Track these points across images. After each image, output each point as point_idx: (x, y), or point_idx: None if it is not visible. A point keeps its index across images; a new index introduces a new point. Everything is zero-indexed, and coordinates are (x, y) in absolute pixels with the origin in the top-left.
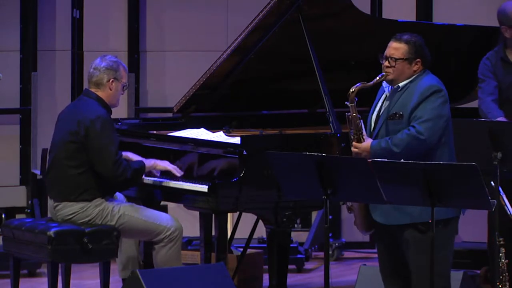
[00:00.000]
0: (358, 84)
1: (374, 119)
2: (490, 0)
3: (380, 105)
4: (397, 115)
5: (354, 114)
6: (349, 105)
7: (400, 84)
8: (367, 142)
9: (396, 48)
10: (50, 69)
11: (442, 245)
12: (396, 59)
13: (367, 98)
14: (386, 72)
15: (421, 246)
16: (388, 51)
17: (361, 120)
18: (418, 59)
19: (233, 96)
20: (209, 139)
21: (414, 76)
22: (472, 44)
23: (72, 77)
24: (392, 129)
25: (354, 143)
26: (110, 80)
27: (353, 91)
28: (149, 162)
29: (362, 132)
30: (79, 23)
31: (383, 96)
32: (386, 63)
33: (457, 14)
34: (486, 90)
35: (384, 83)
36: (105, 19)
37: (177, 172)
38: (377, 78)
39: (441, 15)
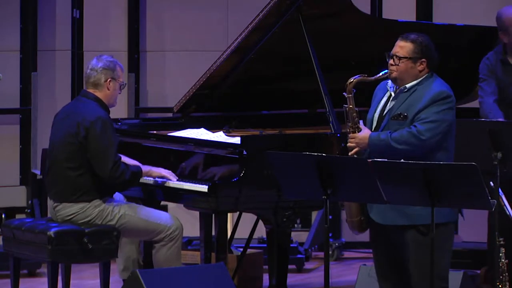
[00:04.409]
0: (357, 76)
1: (377, 117)
2: (490, 0)
3: (383, 104)
4: (401, 116)
5: (351, 106)
6: (346, 96)
7: (407, 85)
8: (365, 132)
9: (401, 46)
10: (50, 69)
11: (443, 247)
12: (400, 58)
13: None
14: (390, 70)
15: (422, 247)
16: (394, 49)
17: (358, 113)
18: (423, 59)
19: (233, 96)
20: (209, 139)
21: (421, 78)
22: (472, 44)
23: (72, 77)
24: (395, 129)
25: (351, 134)
26: (108, 80)
27: (351, 82)
28: (145, 169)
29: (358, 125)
30: (79, 23)
31: (387, 95)
32: (391, 61)
33: (457, 14)
34: (487, 90)
35: (390, 83)
36: (105, 19)
37: (172, 177)
38: (380, 74)
39: (441, 15)
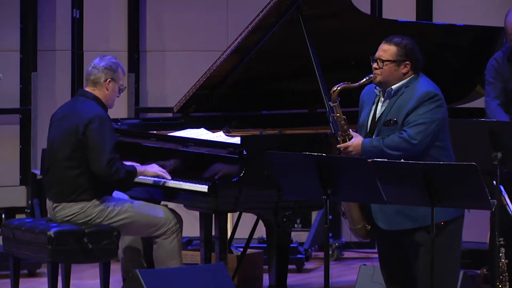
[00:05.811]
0: (341, 83)
1: (370, 123)
2: (490, 0)
3: (374, 108)
4: (392, 121)
5: (338, 114)
6: (332, 105)
7: (393, 87)
8: (358, 139)
9: (385, 50)
10: (50, 69)
11: (454, 245)
12: (384, 61)
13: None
14: (374, 74)
15: (435, 247)
16: (377, 53)
17: (346, 120)
18: (407, 62)
19: (233, 96)
20: (209, 139)
21: (407, 80)
22: (472, 44)
23: (72, 77)
24: (387, 135)
25: (343, 144)
26: (108, 80)
27: (334, 91)
28: (140, 168)
29: (348, 133)
30: (79, 23)
31: (377, 98)
32: (375, 65)
33: (457, 14)
34: (491, 94)
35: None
36: (105, 19)
37: (167, 175)
38: (364, 79)
39: (441, 15)
